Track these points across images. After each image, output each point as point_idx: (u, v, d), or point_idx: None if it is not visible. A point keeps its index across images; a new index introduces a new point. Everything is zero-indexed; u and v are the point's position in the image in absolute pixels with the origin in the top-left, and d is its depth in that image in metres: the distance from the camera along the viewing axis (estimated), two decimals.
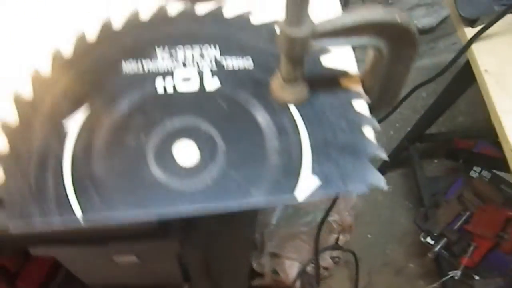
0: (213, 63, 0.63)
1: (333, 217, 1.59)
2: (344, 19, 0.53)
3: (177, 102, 0.59)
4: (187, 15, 0.67)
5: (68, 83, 0.59)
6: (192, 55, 0.63)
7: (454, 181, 1.63)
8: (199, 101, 0.60)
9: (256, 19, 0.67)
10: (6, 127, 0.55)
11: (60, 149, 0.55)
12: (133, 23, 0.65)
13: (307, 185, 0.55)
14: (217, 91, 0.61)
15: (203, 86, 0.61)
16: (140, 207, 0.53)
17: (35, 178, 0.53)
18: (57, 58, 0.61)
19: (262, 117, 0.59)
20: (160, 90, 0.60)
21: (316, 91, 0.61)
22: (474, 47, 1.12)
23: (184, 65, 0.62)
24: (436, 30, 2.08)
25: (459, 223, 1.52)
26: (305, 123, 0.59)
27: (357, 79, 0.63)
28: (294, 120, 0.59)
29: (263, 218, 1.56)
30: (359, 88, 0.62)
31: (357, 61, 0.65)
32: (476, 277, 1.47)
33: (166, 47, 0.63)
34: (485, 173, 1.60)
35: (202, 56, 0.63)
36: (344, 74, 0.63)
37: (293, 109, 0.60)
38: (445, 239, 1.52)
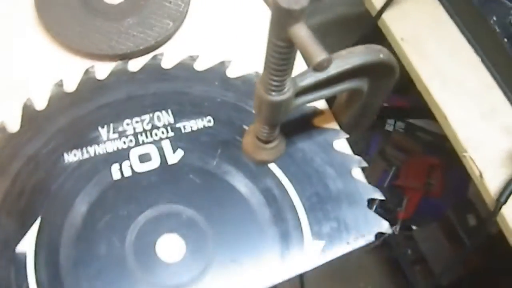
0: (169, 130, 0.54)
1: None
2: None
3: (141, 187, 0.51)
4: (121, 76, 0.57)
5: (6, 199, 0.49)
6: (143, 128, 0.54)
7: (371, 138, 1.64)
8: (166, 180, 0.51)
9: (201, 65, 0.58)
10: None
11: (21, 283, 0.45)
12: (60, 98, 0.54)
13: (311, 250, 0.50)
14: (182, 162, 0.52)
15: (165, 160, 0.52)
16: None
17: None
18: None
19: (242, 184, 0.52)
20: (117, 176, 0.51)
21: (291, 138, 0.54)
22: (385, 16, 1.09)
23: (137, 141, 0.53)
24: None
25: (387, 180, 1.54)
26: (291, 181, 0.53)
27: (330, 115, 0.57)
28: (279, 180, 0.52)
29: None
30: (334, 125, 0.56)
31: None
32: (414, 227, 1.51)
33: (111, 125, 0.53)
34: (399, 124, 1.62)
35: (154, 126, 0.54)
36: (316, 112, 0.57)
37: (273, 167, 0.53)
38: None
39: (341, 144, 0.56)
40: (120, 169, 0.51)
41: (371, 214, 0.52)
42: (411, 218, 1.53)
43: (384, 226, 0.52)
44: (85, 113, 0.54)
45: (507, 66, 0.75)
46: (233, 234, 0.50)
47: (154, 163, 0.52)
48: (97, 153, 0.52)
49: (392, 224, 1.50)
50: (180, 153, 0.53)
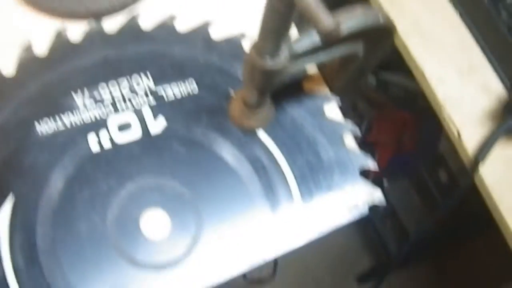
0: (150, 96, 0.50)
1: None
2: None
3: (122, 159, 0.47)
4: (96, 37, 0.52)
5: None
6: (121, 93, 0.50)
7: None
8: (148, 151, 0.48)
9: (182, 25, 0.54)
10: None
11: None
12: (29, 63, 0.49)
13: (303, 223, 0.48)
14: (166, 132, 0.49)
15: (147, 130, 0.49)
16: None
17: None
18: None
19: (229, 153, 0.49)
20: (96, 148, 0.47)
21: (280, 104, 0.51)
22: None
23: (116, 108, 0.49)
24: None
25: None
26: (280, 149, 0.50)
27: (320, 79, 0.54)
28: (268, 149, 0.50)
29: None
30: (325, 90, 0.53)
31: None
32: (385, 184, 1.51)
33: (85, 90, 0.49)
34: (371, 79, 1.60)
35: (133, 91, 0.50)
36: (305, 76, 0.53)
37: (262, 135, 0.50)
38: None
39: (333, 110, 0.53)
40: (98, 140, 0.48)
41: (364, 184, 0.50)
42: (383, 174, 1.53)
43: (377, 197, 0.50)
44: (58, 79, 0.50)
45: (487, 23, 0.73)
46: (221, 207, 0.47)
47: (135, 133, 0.48)
48: (72, 123, 0.48)
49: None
50: (162, 121, 0.49)
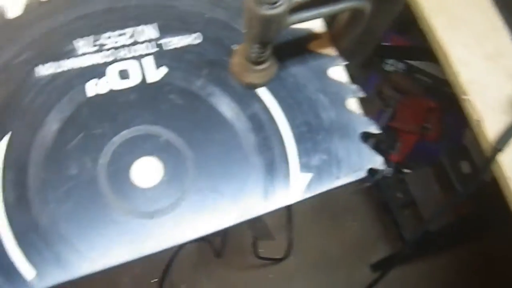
0: (153, 47, 0.50)
1: None
2: None
3: (119, 106, 0.47)
4: None
5: None
6: (124, 42, 0.50)
7: (369, 77, 1.59)
8: (146, 100, 0.47)
9: None
10: None
11: None
12: (35, 6, 0.50)
13: (297, 183, 0.47)
14: (164, 81, 0.49)
15: (146, 79, 0.48)
16: (104, 257, 0.42)
17: None
18: None
19: (228, 108, 0.48)
20: (93, 93, 0.47)
21: (283, 62, 0.50)
22: None
23: (117, 56, 0.49)
24: None
25: (383, 121, 1.50)
26: (280, 107, 0.49)
27: (327, 39, 0.52)
28: (268, 106, 0.49)
29: None
30: (332, 51, 0.52)
31: None
32: (407, 171, 1.49)
33: (90, 38, 0.49)
34: (399, 64, 1.57)
35: (137, 40, 0.50)
36: (312, 35, 0.52)
37: (263, 92, 0.49)
38: (372, 139, 1.51)
39: (338, 72, 0.51)
40: (96, 85, 0.47)
41: (365, 148, 0.49)
42: (404, 161, 1.50)
43: (377, 162, 0.49)
44: (62, 24, 0.50)
45: None
46: (215, 161, 0.46)
47: (134, 80, 0.48)
48: (72, 67, 0.48)
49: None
50: (163, 70, 0.49)
